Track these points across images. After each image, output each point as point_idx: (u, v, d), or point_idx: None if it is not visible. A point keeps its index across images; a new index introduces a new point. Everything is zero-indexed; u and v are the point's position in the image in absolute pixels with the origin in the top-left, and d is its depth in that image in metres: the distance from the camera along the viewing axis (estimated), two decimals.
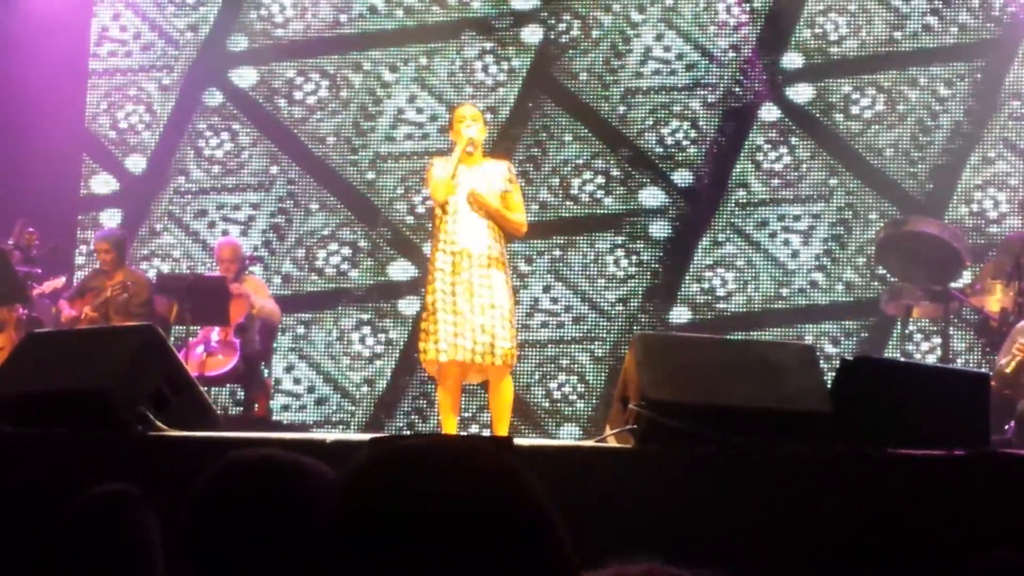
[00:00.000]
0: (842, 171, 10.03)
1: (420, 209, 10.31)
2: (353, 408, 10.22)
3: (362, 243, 10.35)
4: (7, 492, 4.86)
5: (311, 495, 2.03)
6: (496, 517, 1.45)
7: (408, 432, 10.14)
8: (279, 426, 9.59)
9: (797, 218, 10.05)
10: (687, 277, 10.09)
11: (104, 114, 10.67)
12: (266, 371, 9.76)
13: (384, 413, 10.19)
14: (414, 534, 1.43)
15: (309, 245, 10.37)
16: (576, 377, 10.09)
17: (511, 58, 10.41)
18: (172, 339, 9.30)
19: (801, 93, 10.14)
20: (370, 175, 10.40)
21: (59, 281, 9.30)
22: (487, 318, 6.76)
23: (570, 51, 10.38)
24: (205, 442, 5.05)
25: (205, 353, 9.16)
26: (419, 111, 10.43)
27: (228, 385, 9.74)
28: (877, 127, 10.06)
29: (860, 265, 9.94)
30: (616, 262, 10.16)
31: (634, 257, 10.15)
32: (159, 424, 5.02)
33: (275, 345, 9.88)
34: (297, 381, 10.19)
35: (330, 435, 5.56)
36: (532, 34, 10.43)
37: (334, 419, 10.20)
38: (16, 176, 10.26)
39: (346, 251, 10.36)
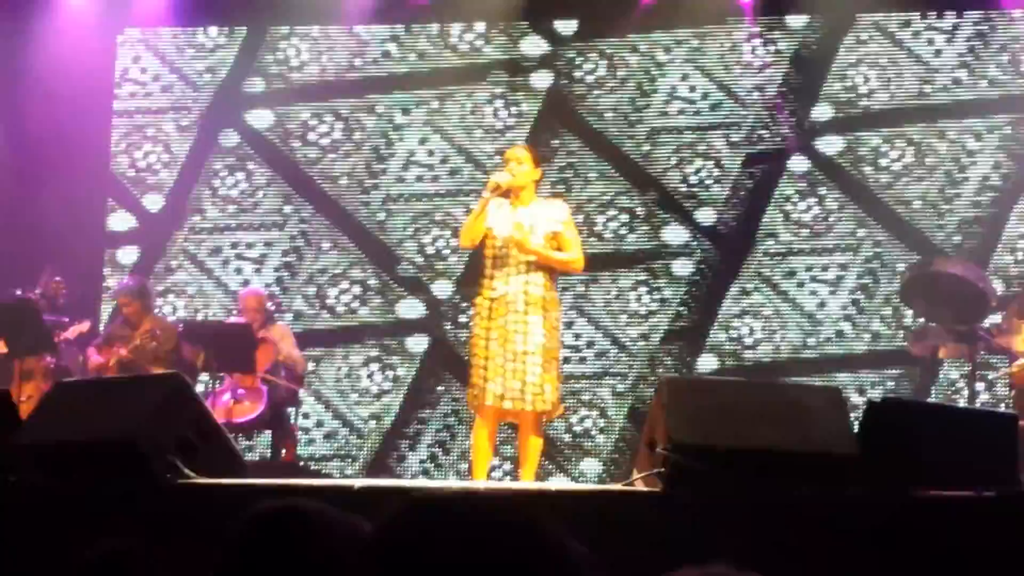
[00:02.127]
0: (870, 222, 10.16)
1: (430, 250, 10.52)
2: (360, 442, 10.44)
3: (372, 281, 10.55)
4: (36, 543, 4.93)
5: (339, 547, 2.09)
6: (526, 573, 1.54)
7: (430, 464, 10.30)
8: (307, 472, 9.70)
9: (825, 268, 10.18)
10: (715, 325, 10.21)
11: (123, 153, 10.91)
12: (292, 417, 9.90)
13: (408, 446, 10.35)
14: None
15: (320, 283, 10.57)
16: (597, 412, 10.23)
17: (520, 103, 10.60)
18: (199, 386, 9.46)
19: (831, 144, 10.28)
20: (381, 215, 10.60)
21: (84, 326, 9.42)
22: (519, 363, 6.83)
23: (596, 90, 10.55)
24: (234, 489, 5.12)
25: (232, 400, 9.29)
26: (430, 153, 10.64)
27: (255, 432, 9.91)
28: (906, 179, 10.19)
29: (887, 315, 10.05)
30: (639, 299, 10.31)
31: (656, 294, 10.30)
32: (187, 472, 5.08)
33: (302, 391, 10.05)
34: (306, 416, 10.38)
35: (357, 481, 5.65)
36: (541, 79, 10.62)
37: (342, 453, 10.41)
38: (43, 217, 10.47)
39: (356, 289, 10.55)
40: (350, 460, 10.45)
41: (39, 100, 10.64)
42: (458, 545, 1.53)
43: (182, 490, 5.09)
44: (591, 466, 10.24)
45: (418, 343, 10.53)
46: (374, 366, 10.54)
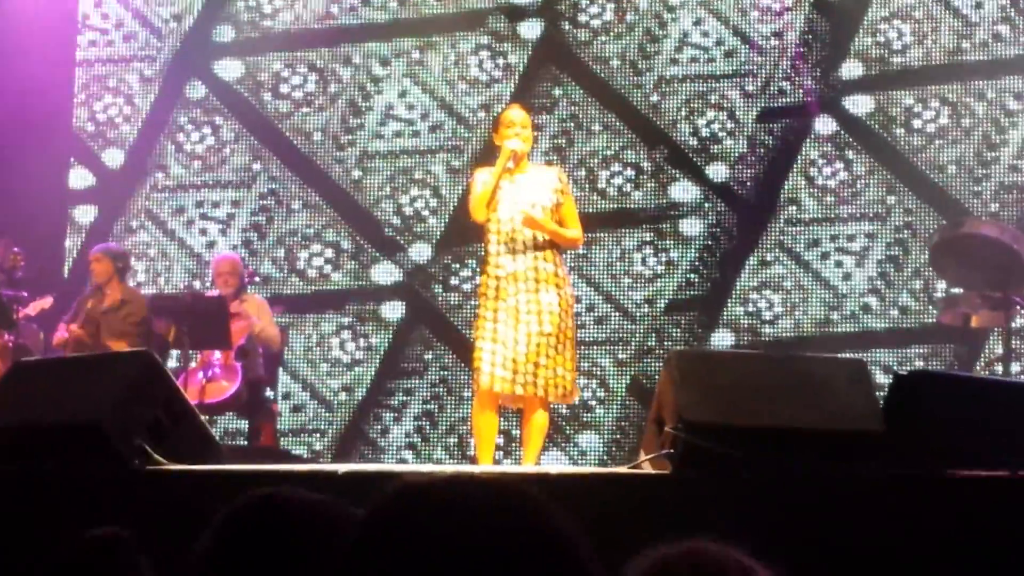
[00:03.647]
0: (901, 188, 10.19)
1: (408, 210, 10.59)
2: (331, 416, 10.52)
3: (345, 244, 10.59)
4: None
5: (330, 536, 2.14)
6: (524, 558, 1.61)
7: (417, 437, 10.39)
8: (286, 456, 9.75)
9: (851, 238, 10.23)
10: (731, 298, 10.25)
11: (83, 106, 10.94)
12: (271, 396, 9.96)
13: (393, 418, 10.43)
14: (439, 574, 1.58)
15: (290, 245, 10.63)
16: (597, 381, 10.29)
17: (507, 54, 10.62)
18: (173, 362, 9.52)
19: (860, 104, 10.31)
20: (356, 173, 10.67)
21: (46, 301, 9.48)
22: (532, 347, 6.86)
23: (602, 36, 10.57)
24: (207, 475, 5.17)
25: (205, 379, 9.35)
26: (410, 108, 10.69)
27: (231, 413, 9.98)
28: (940, 142, 10.22)
29: (917, 289, 10.08)
30: (643, 261, 10.36)
31: (663, 255, 10.35)
32: (158, 457, 5.11)
33: (280, 368, 10.10)
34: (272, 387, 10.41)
35: (342, 466, 5.71)
36: (530, 29, 10.64)
37: (310, 427, 10.51)
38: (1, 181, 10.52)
39: (329, 253, 10.61)
40: (318, 435, 10.54)
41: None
42: (451, 529, 1.59)
43: (152, 476, 5.12)
44: (590, 441, 10.30)
45: (394, 310, 10.60)
46: (346, 334, 10.61)
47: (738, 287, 10.30)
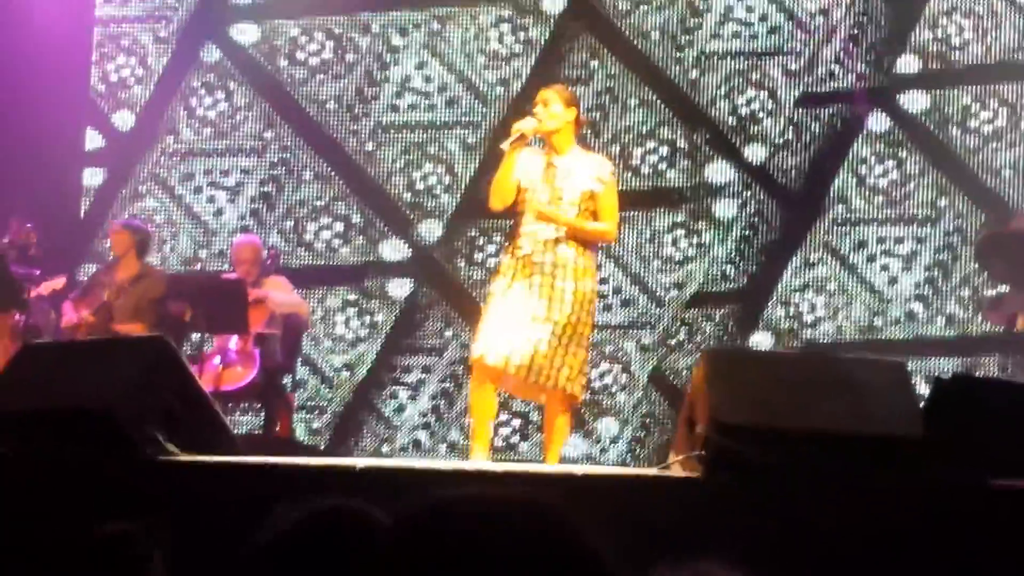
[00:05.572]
0: (953, 191, 10.21)
1: (419, 186, 10.67)
2: (331, 394, 10.63)
3: (355, 218, 10.69)
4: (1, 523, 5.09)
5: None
6: None
7: (432, 417, 10.48)
8: (302, 448, 9.83)
9: (899, 241, 10.25)
10: (771, 299, 10.30)
11: (95, 65, 11.06)
12: (288, 385, 10.02)
13: (409, 396, 10.57)
14: None
15: (299, 217, 10.74)
16: (620, 366, 10.36)
17: (528, 28, 10.68)
18: (187, 346, 9.59)
19: (915, 101, 10.33)
20: (369, 146, 10.75)
21: (59, 282, 9.53)
22: (533, 330, 6.80)
23: (643, 6, 10.61)
24: (221, 467, 5.25)
25: (222, 365, 9.42)
26: (427, 80, 10.76)
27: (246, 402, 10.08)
28: (996, 144, 10.23)
29: (965, 297, 10.10)
30: (674, 242, 10.41)
31: (695, 238, 10.40)
32: (170, 447, 5.20)
33: (299, 358, 10.19)
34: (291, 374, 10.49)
35: (360, 461, 5.83)
36: (552, 3, 10.70)
37: (309, 405, 10.61)
38: (15, 152, 10.61)
39: (338, 226, 10.72)
40: (317, 411, 10.63)
41: (13, 15, 10.77)
42: (481, 553, 1.68)
43: (164, 467, 5.20)
44: (609, 426, 10.37)
45: (402, 287, 10.69)
46: (351, 311, 10.71)
47: (779, 287, 10.35)
